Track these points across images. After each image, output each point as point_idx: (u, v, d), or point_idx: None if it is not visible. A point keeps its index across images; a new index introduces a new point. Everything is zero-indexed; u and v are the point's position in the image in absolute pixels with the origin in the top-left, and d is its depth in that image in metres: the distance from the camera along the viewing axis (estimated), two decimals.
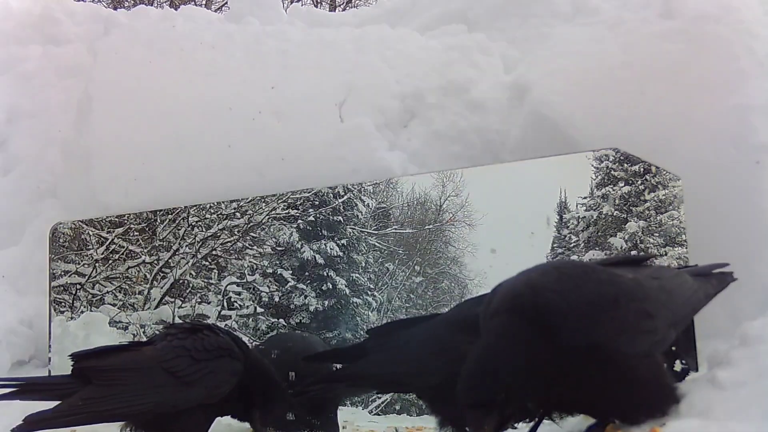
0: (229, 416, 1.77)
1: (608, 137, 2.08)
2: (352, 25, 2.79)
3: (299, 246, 2.36)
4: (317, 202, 2.39)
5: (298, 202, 2.38)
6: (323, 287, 2.34)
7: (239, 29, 2.76)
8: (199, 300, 2.39)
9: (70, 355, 1.63)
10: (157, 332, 1.95)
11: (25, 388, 1.58)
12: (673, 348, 1.60)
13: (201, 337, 1.67)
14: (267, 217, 2.38)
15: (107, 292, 2.48)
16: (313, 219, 2.38)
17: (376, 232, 2.43)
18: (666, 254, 2.03)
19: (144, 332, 2.35)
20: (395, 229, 2.43)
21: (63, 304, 2.48)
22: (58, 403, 1.54)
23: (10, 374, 2.30)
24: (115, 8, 5.51)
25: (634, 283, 1.35)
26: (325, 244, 2.38)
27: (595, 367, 1.26)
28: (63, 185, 2.67)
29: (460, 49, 2.48)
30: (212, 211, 2.43)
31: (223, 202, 2.41)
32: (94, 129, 2.65)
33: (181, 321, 2.34)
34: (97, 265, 2.49)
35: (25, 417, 1.49)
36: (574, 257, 2.17)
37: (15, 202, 2.70)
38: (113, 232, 2.51)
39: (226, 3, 8.69)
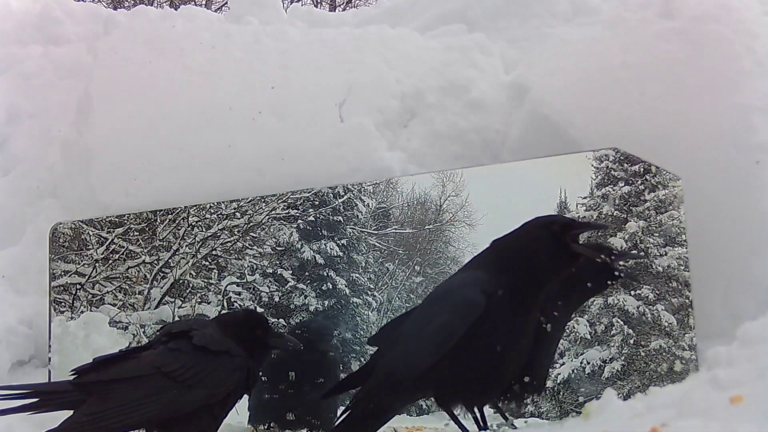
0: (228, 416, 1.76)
1: (608, 137, 2.07)
2: (352, 25, 2.79)
3: (299, 246, 2.37)
4: (317, 202, 2.39)
5: (298, 202, 2.38)
6: (323, 287, 2.34)
7: (239, 29, 2.76)
8: (199, 300, 2.39)
9: (71, 374, 1.62)
10: (157, 332, 1.95)
11: (28, 401, 1.57)
12: None
13: (198, 336, 1.67)
14: (267, 217, 2.39)
15: (107, 292, 2.48)
16: (313, 219, 2.38)
17: (376, 232, 2.43)
18: (666, 254, 2.03)
19: (144, 332, 2.35)
20: (395, 229, 2.44)
21: (63, 304, 2.48)
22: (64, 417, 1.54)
23: (10, 374, 2.30)
24: (115, 8, 5.51)
25: None
26: (325, 244, 2.38)
27: None
28: (63, 185, 2.67)
29: (460, 49, 2.48)
30: (212, 211, 2.43)
31: (223, 202, 2.41)
32: (94, 129, 2.65)
33: (177, 320, 2.34)
34: (97, 265, 2.49)
35: None
36: None
37: (15, 202, 2.69)
38: (113, 232, 2.51)
39: (226, 3, 8.69)
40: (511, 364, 1.64)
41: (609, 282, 1.82)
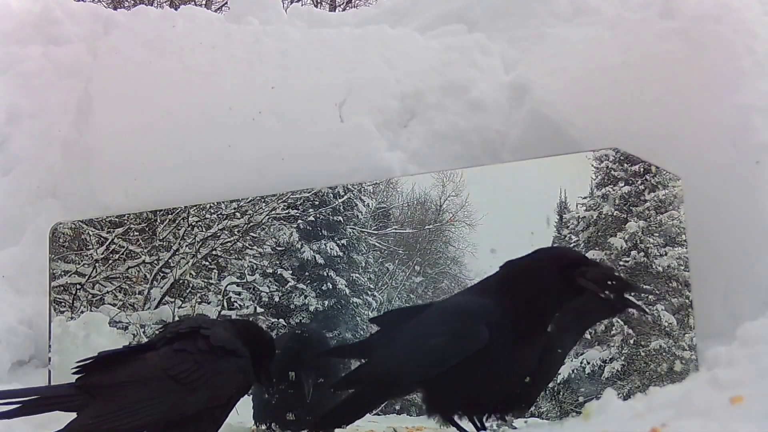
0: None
1: (608, 137, 2.08)
2: (352, 25, 2.78)
3: (299, 246, 2.36)
4: (317, 202, 2.39)
5: (298, 202, 2.38)
6: (323, 287, 2.34)
7: (239, 29, 2.76)
8: (199, 300, 2.39)
9: (73, 371, 1.61)
10: (156, 332, 1.95)
11: (31, 404, 1.57)
12: None
13: (203, 336, 1.67)
14: (267, 217, 2.38)
15: (107, 292, 2.48)
16: (313, 219, 2.38)
17: (376, 232, 2.43)
18: (666, 254, 2.03)
19: (144, 332, 2.35)
20: (395, 229, 2.44)
21: (63, 304, 2.48)
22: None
23: (10, 374, 2.30)
24: (115, 8, 5.51)
25: None
26: (325, 244, 2.38)
27: None
28: (63, 185, 2.67)
29: (460, 49, 2.47)
30: (212, 211, 2.43)
31: (223, 202, 2.41)
32: (94, 129, 2.65)
33: (178, 319, 2.34)
34: (97, 265, 2.49)
35: None
36: None
37: (15, 202, 2.69)
38: (113, 232, 2.51)
39: (226, 3, 8.70)
40: (506, 385, 1.69)
41: (615, 314, 1.86)
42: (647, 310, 1.96)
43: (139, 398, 1.56)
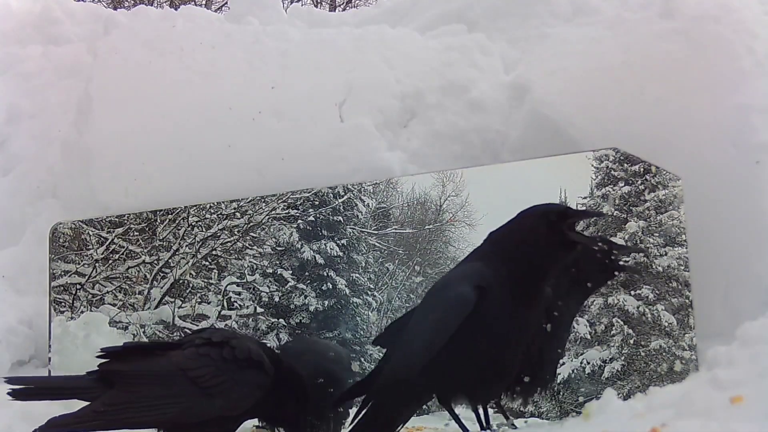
0: None
1: (608, 137, 2.08)
2: (352, 25, 2.79)
3: (299, 246, 2.37)
4: (317, 202, 2.39)
5: (298, 202, 2.38)
6: (323, 287, 2.34)
7: (239, 29, 2.76)
8: (199, 300, 2.39)
9: (99, 354, 1.61)
10: (192, 333, 1.94)
11: (44, 389, 1.56)
12: None
13: (232, 345, 1.65)
14: (267, 217, 2.39)
15: (107, 292, 2.48)
16: (313, 219, 2.38)
17: (376, 232, 2.43)
18: (666, 254, 2.04)
19: (144, 332, 2.35)
20: (395, 229, 2.44)
21: (63, 304, 2.48)
22: (83, 405, 1.54)
23: (10, 374, 2.30)
24: (115, 8, 5.51)
25: None
26: (325, 244, 2.38)
27: None
28: (63, 185, 2.67)
29: (460, 49, 2.48)
30: (212, 211, 2.43)
31: (223, 202, 2.41)
32: (94, 129, 2.66)
33: (213, 326, 2.30)
34: (97, 265, 2.49)
35: (48, 420, 1.48)
36: None
37: (15, 202, 2.69)
38: (113, 232, 2.51)
39: (226, 3, 8.69)
40: (514, 357, 1.63)
41: (613, 275, 1.84)
42: (639, 269, 1.98)
43: (155, 394, 1.55)
